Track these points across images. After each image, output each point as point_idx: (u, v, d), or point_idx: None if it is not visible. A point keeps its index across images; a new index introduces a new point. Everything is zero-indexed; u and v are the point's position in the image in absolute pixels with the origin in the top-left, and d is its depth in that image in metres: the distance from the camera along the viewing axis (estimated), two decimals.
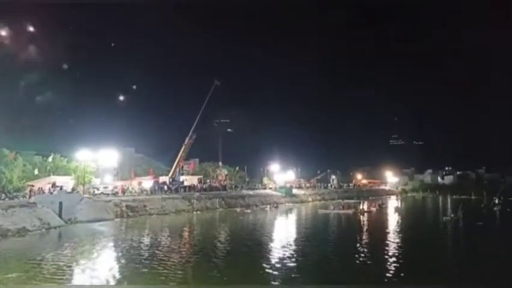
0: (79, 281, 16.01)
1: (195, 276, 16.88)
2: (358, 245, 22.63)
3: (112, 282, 15.61)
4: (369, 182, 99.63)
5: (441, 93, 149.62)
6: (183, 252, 21.22)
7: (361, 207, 52.42)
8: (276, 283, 15.35)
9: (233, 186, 63.07)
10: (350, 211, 44.71)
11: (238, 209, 49.19)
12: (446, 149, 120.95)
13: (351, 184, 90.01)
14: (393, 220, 38.47)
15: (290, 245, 22.59)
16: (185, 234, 29.56)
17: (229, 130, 73.36)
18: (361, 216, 40.96)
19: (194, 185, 57.15)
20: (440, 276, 15.87)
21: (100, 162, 50.92)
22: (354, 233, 27.56)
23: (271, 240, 24.94)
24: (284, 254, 19.86)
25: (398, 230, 29.95)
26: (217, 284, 15.30)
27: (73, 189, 42.44)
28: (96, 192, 44.13)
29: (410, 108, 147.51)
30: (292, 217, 43.13)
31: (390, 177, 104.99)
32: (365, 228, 31.38)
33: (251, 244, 23.16)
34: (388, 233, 27.33)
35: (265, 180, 74.95)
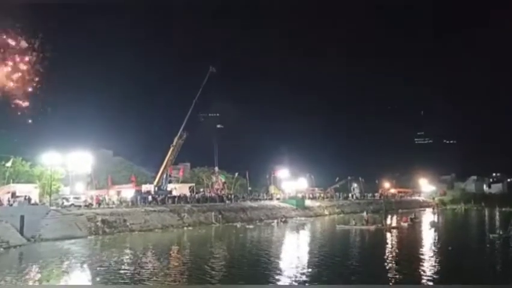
0: None
1: None
2: (387, 273, 22.28)
3: None
4: (399, 192, 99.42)
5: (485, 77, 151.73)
6: (169, 278, 21.09)
7: (389, 222, 52.17)
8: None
9: (232, 196, 63.01)
10: (374, 227, 44.46)
11: (238, 224, 49.23)
12: (494, 151, 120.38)
13: (376, 194, 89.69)
14: (428, 238, 38.18)
15: (301, 272, 22.35)
16: (173, 255, 29.45)
17: (218, 126, 73.28)
18: (389, 234, 40.73)
19: (184, 194, 57.20)
20: None
21: (71, 167, 50.99)
22: (381, 256, 27.27)
23: (277, 264, 24.73)
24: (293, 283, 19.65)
25: (434, 250, 29.63)
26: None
27: (39, 201, 42.58)
28: (65, 203, 44.17)
29: (442, 101, 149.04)
30: (305, 235, 42.95)
31: (425, 186, 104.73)
32: (393, 250, 31.06)
33: (253, 270, 22.98)
34: (422, 256, 27.02)
35: (271, 189, 74.96)
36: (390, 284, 19.46)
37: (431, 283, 19.77)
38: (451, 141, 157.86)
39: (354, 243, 36.14)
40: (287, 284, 19.53)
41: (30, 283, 20.38)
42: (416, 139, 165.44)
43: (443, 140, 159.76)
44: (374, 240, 37.49)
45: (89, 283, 20.64)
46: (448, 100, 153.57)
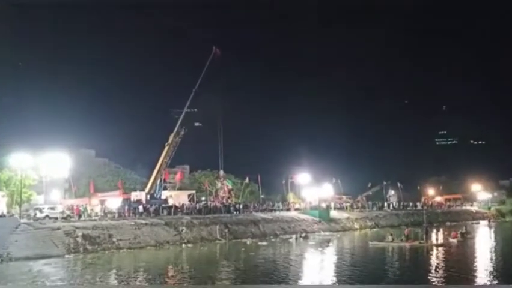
0: None
1: None
2: None
3: None
4: (447, 199, 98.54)
5: None
6: None
7: (434, 237, 51.60)
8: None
9: (241, 206, 62.95)
10: (409, 244, 44.07)
11: (248, 241, 49.22)
12: None
13: (419, 203, 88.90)
14: (483, 259, 37.56)
15: None
16: (169, 281, 29.40)
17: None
18: (434, 252, 40.23)
19: (183, 204, 57.31)
20: None
21: (44, 171, 51.24)
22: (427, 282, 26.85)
23: None
24: None
25: (494, 274, 29.13)
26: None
27: (6, 212, 42.90)
28: (39, 215, 44.49)
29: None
30: (330, 254, 42.62)
31: (479, 193, 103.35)
32: (439, 275, 30.57)
33: None
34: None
35: (290, 197, 74.75)
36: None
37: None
38: (479, 142, 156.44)
39: (390, 264, 35.69)
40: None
41: None
42: (437, 140, 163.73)
43: (469, 140, 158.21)
44: (420, 261, 37.04)
45: None
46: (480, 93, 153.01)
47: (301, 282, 27.91)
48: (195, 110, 63.45)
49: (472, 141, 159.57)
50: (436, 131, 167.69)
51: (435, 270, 31.83)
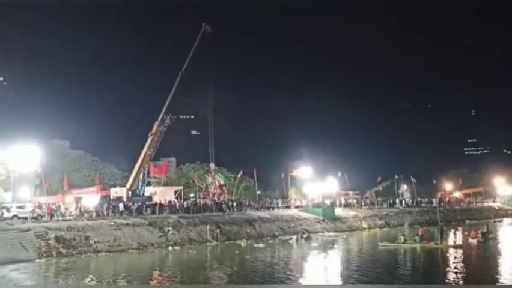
0: None
1: None
2: None
3: None
4: (466, 194, 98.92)
5: None
6: None
7: (451, 237, 51.80)
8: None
9: (234, 203, 62.99)
10: (431, 245, 44.22)
11: (243, 243, 49.30)
12: None
13: (434, 199, 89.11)
14: (507, 263, 37.66)
15: None
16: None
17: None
18: (450, 255, 40.38)
19: (169, 201, 57.27)
20: None
21: (12, 166, 51.09)
22: None
23: None
24: None
25: None
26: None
27: None
28: (6, 215, 44.51)
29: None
30: (334, 257, 42.78)
31: (502, 187, 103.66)
32: (455, 280, 30.62)
33: None
34: None
35: (292, 193, 74.79)
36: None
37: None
38: None
39: (400, 268, 35.75)
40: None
41: None
42: (465, 149, 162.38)
43: (502, 149, 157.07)
44: (435, 264, 37.13)
45: None
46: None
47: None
48: (213, 93, 63.55)
49: (505, 151, 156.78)
50: (464, 139, 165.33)
51: (451, 275, 31.86)
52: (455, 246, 45.39)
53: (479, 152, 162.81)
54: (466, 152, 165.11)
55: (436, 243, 44.64)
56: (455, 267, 35.00)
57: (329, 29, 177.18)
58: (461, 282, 29.17)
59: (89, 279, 30.82)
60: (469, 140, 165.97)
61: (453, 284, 24.18)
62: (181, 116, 67.82)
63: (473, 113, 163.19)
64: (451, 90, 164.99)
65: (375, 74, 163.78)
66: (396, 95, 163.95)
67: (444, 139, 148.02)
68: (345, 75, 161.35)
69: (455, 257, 39.66)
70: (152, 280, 31.65)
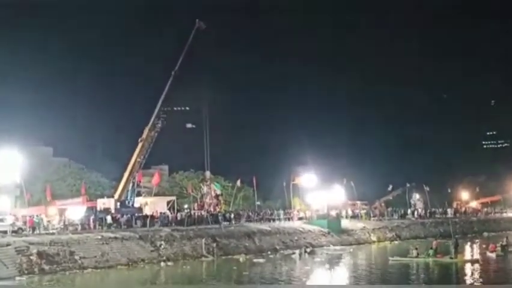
0: None
1: None
2: None
3: None
4: (483, 204, 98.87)
5: None
6: None
7: (468, 251, 51.73)
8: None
9: (232, 215, 63.00)
10: (445, 259, 44.25)
11: (241, 258, 49.28)
12: None
13: (449, 210, 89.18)
14: None
15: None
16: None
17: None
18: (466, 270, 40.35)
19: (161, 213, 57.23)
20: None
21: None
22: None
23: None
24: None
25: None
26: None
27: None
28: None
29: None
30: (340, 273, 42.85)
31: None
32: None
33: None
34: None
35: (296, 203, 74.74)
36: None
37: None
38: None
39: (413, 284, 35.79)
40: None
41: None
42: (484, 142, 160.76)
43: None
44: (442, 281, 37.12)
45: None
46: None
47: None
48: (208, 95, 63.60)
49: None
50: (483, 131, 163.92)
51: None
52: (472, 261, 45.34)
53: (498, 146, 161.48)
54: (485, 146, 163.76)
55: (451, 258, 44.67)
56: (472, 284, 35.02)
57: (335, 27, 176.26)
58: None
59: None
60: (487, 133, 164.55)
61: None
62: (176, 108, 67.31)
63: (492, 103, 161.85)
64: (466, 77, 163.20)
65: (384, 73, 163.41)
66: (406, 90, 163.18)
67: (461, 132, 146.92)
68: (351, 77, 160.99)
69: (472, 273, 39.71)
70: None
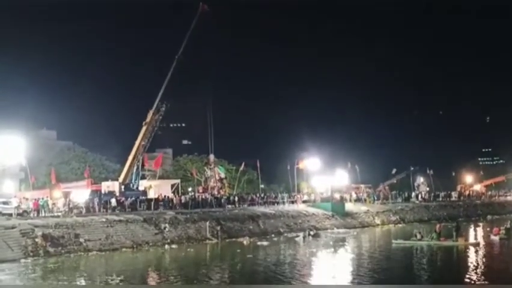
0: None
1: None
2: None
3: None
4: (487, 186, 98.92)
5: None
6: None
7: (472, 234, 51.67)
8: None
9: (236, 198, 63.15)
10: (448, 242, 44.36)
11: (245, 240, 49.46)
12: None
13: (454, 193, 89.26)
14: None
15: None
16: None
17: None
18: (468, 253, 40.45)
19: (165, 196, 57.39)
20: None
21: None
22: None
23: None
24: None
25: None
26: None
27: None
28: None
29: None
30: (344, 256, 43.01)
31: None
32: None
33: None
34: None
35: (304, 187, 74.90)
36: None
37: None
38: None
39: (419, 268, 35.82)
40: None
41: None
42: (480, 159, 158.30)
43: None
44: (453, 265, 37.19)
45: None
46: None
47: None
48: (212, 79, 63.31)
49: None
50: (478, 148, 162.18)
51: (466, 276, 31.76)
52: (473, 244, 45.35)
53: (494, 163, 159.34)
54: (481, 162, 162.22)
55: (454, 241, 44.76)
56: (470, 268, 34.57)
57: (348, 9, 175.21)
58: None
59: (79, 281, 30.98)
60: (483, 150, 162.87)
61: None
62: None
63: (487, 120, 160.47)
64: (462, 94, 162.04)
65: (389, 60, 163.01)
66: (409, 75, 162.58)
67: (456, 149, 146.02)
68: (356, 63, 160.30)
69: (471, 256, 39.59)
70: (148, 281, 31.83)
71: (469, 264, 36.60)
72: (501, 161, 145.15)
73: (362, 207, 70.16)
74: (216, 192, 64.11)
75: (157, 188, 61.30)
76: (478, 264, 36.47)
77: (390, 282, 29.68)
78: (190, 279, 31.46)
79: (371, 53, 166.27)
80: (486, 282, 27.38)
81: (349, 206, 68.79)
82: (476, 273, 32.15)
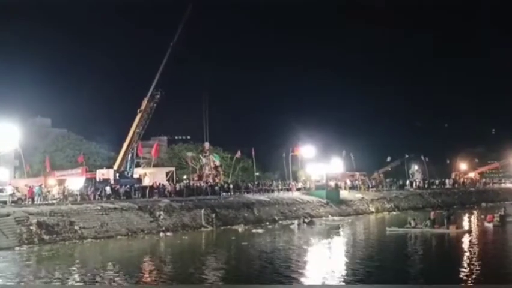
0: None
1: None
2: None
3: None
4: (481, 174, 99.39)
5: None
6: None
7: (466, 221, 51.90)
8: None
9: (231, 186, 63.30)
10: (443, 230, 44.62)
11: (240, 228, 49.69)
12: None
13: (448, 180, 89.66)
14: None
15: None
16: (143, 279, 29.62)
17: (208, 83, 72.80)
18: (465, 240, 40.63)
19: (160, 184, 57.43)
20: None
21: None
22: None
23: None
24: None
25: None
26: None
27: None
28: None
29: None
30: (338, 243, 43.21)
31: None
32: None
33: None
34: None
35: (301, 174, 75.09)
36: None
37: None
38: None
39: (413, 255, 36.04)
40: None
41: None
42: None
43: None
44: (446, 252, 37.38)
45: None
46: None
47: (304, 281, 28.21)
48: (206, 66, 62.90)
49: None
50: (465, 147, 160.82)
51: (470, 262, 31.92)
52: (464, 232, 45.66)
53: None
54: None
55: (448, 229, 45.07)
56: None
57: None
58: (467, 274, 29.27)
59: (74, 268, 30.97)
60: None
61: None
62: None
63: (493, 132, 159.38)
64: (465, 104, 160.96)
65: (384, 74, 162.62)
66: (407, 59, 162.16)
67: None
68: (352, 49, 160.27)
69: (461, 244, 39.95)
70: (143, 268, 31.86)
71: (456, 250, 37.37)
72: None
73: (356, 195, 70.37)
74: (211, 180, 64.14)
75: (152, 176, 61.35)
76: (463, 250, 37.21)
77: (381, 273, 29.93)
78: (185, 267, 31.53)
79: (368, 40, 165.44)
80: (481, 279, 27.39)
81: (344, 194, 69.04)
82: (468, 263, 32.40)
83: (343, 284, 25.64)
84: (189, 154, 74.72)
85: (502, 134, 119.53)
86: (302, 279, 28.01)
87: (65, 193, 50.31)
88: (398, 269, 30.32)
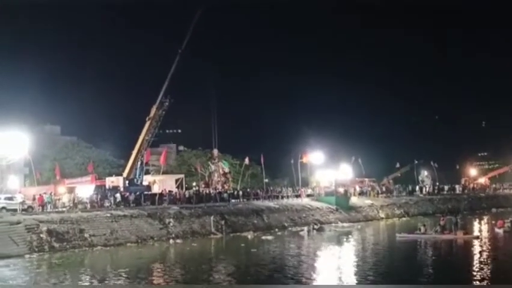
0: None
1: None
2: None
3: None
4: (491, 179, 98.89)
5: None
6: None
7: (477, 227, 51.57)
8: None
9: (240, 192, 63.25)
10: (452, 236, 44.40)
11: (249, 235, 49.51)
12: None
13: (458, 186, 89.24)
14: None
15: None
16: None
17: (217, 90, 72.78)
18: (472, 247, 40.39)
19: (170, 191, 57.46)
20: None
21: (0, 154, 51.37)
22: None
23: None
24: None
25: None
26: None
27: None
28: None
29: None
30: (348, 250, 43.07)
31: None
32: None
33: None
34: None
35: (313, 181, 74.96)
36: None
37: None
38: None
39: (423, 262, 35.85)
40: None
41: None
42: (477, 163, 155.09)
43: None
44: (458, 260, 37.15)
45: None
46: None
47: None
48: (214, 73, 62.80)
49: None
50: (475, 152, 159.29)
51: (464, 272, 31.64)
52: (472, 238, 45.31)
53: (491, 167, 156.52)
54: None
55: (456, 234, 44.84)
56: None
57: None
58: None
59: (84, 276, 31.03)
60: (479, 154, 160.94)
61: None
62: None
63: (483, 125, 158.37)
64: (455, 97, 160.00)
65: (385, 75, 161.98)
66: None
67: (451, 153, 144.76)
68: (360, 54, 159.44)
69: (484, 247, 39.77)
70: (153, 276, 31.87)
71: (463, 257, 37.26)
72: (497, 165, 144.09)
73: (366, 201, 70.17)
74: (220, 187, 64.14)
75: (161, 183, 61.41)
76: (470, 256, 37.02)
77: (389, 275, 29.81)
78: (194, 273, 31.53)
79: (376, 47, 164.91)
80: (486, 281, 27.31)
81: (353, 200, 68.82)
82: (476, 268, 32.23)
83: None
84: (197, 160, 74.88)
85: (510, 137, 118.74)
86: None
87: (75, 201, 50.42)
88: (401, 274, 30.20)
